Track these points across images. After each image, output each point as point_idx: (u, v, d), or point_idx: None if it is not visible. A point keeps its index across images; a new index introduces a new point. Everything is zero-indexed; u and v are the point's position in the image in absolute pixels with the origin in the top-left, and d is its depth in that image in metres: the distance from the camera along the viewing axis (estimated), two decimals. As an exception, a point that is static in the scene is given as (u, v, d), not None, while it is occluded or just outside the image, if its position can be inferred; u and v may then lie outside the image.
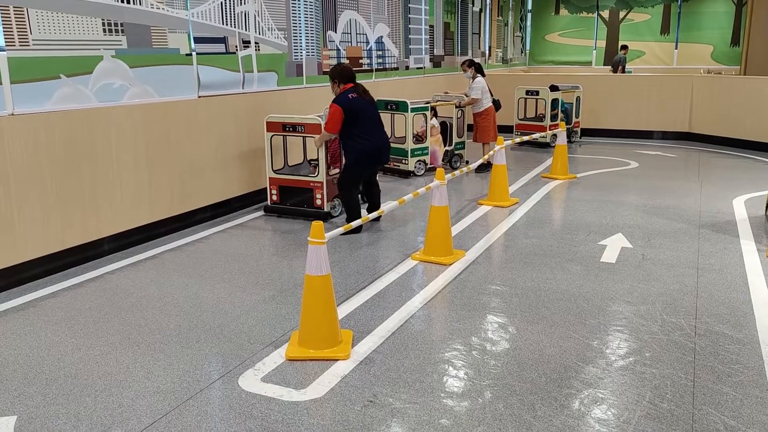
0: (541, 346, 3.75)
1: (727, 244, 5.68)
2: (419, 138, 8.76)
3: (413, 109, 8.44)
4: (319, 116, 6.38)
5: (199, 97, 6.25)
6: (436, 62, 12.07)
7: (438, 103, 9.02)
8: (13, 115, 4.60)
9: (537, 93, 10.98)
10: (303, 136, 6.68)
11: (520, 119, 11.30)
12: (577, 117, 11.73)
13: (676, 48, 17.90)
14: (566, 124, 9.40)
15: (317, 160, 6.41)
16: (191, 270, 5.09)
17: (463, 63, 9.05)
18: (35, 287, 4.72)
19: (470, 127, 9.31)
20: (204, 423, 2.99)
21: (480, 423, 2.99)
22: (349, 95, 5.87)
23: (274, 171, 6.66)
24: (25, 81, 4.67)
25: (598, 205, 7.15)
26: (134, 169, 5.59)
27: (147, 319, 4.17)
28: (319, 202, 6.42)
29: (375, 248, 5.65)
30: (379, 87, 9.71)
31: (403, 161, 8.67)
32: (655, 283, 4.76)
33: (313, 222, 3.59)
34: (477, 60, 10.11)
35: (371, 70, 9.68)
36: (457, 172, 6.12)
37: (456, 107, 9.07)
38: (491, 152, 7.06)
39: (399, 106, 8.56)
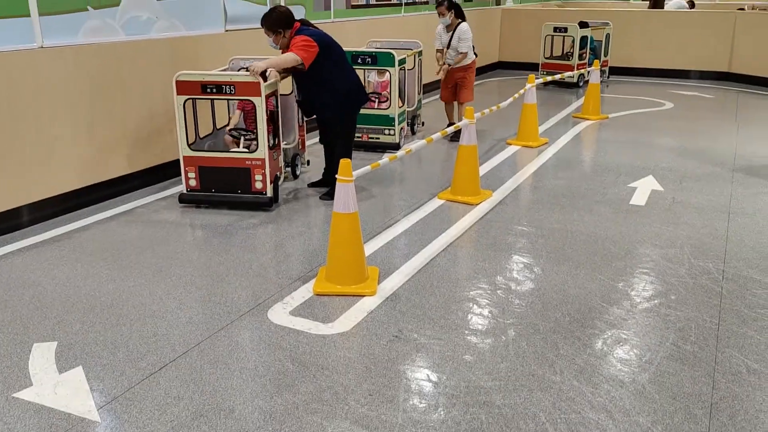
0: (566, 287, 3.77)
1: (761, 188, 5.57)
2: (380, 97, 6.83)
3: (400, 62, 6.53)
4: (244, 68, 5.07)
5: (226, 30, 6.18)
6: (468, -4, 11.70)
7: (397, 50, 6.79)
8: (42, 48, 4.61)
9: (565, 30, 10.63)
10: (229, 99, 5.03)
11: (546, 58, 10.98)
12: (606, 55, 11.35)
13: (720, -18, 17.09)
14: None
15: (242, 129, 5.10)
16: (221, 205, 5.15)
17: (441, 4, 6.84)
18: (69, 219, 4.83)
19: (427, 86, 7.69)
20: (235, 353, 3.09)
21: (503, 360, 3.04)
22: (311, 28, 4.93)
23: (190, 147, 4.95)
24: (53, 13, 4.66)
25: (629, 146, 7.02)
26: (163, 103, 5.60)
27: (178, 252, 4.26)
28: (259, 185, 4.90)
29: (402, 187, 5.65)
30: (379, 27, 9.46)
31: (386, 131, 6.60)
32: (685, 226, 4.71)
33: (341, 160, 3.59)
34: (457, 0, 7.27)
35: (400, 4, 9.44)
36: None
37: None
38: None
39: (378, 59, 6.45)
